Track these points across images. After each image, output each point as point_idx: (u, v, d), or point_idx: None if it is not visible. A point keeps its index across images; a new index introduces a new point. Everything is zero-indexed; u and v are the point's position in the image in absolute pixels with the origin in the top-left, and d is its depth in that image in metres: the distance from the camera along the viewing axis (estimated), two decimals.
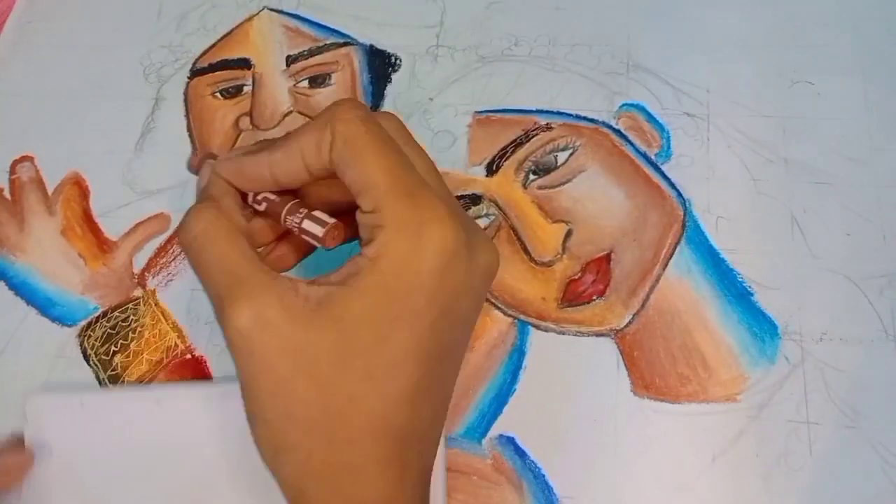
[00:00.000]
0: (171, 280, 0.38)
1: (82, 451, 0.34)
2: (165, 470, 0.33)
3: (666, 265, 0.35)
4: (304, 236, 0.26)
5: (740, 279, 0.34)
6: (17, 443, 0.34)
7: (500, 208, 0.37)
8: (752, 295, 0.34)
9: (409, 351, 0.24)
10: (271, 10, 0.45)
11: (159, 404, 0.34)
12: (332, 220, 0.26)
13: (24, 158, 0.43)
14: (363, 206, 0.24)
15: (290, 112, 0.42)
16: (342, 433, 0.23)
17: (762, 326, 0.33)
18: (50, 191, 0.42)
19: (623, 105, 0.39)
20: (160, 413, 0.34)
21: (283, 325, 0.23)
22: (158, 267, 0.39)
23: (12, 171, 0.43)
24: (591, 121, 0.39)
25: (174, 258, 0.39)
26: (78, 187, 0.41)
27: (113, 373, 0.36)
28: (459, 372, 0.27)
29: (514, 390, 0.33)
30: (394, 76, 0.42)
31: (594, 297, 0.35)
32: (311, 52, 0.43)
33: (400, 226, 0.24)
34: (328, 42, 0.43)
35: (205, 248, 0.25)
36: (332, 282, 0.24)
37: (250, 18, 0.45)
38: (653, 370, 0.33)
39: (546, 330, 0.34)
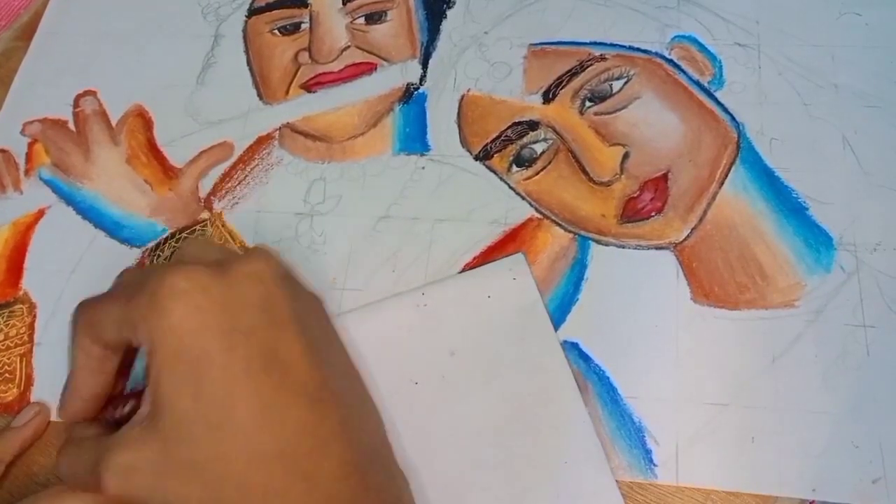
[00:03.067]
0: (237, 203, 0.39)
1: None
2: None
3: (722, 183, 0.36)
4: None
5: (795, 195, 0.35)
6: None
7: (557, 133, 0.38)
8: (806, 209, 0.35)
9: (228, 386, 0.25)
10: None
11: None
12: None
13: (87, 93, 0.44)
14: None
15: (348, 47, 0.43)
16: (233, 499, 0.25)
17: (818, 238, 0.34)
18: (114, 123, 0.43)
19: (675, 37, 0.40)
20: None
21: (141, 461, 0.26)
22: (224, 191, 0.40)
23: (76, 104, 0.44)
24: (645, 52, 0.40)
25: (239, 182, 0.40)
26: (141, 119, 0.43)
27: None
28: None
29: (577, 300, 0.35)
30: (449, 12, 0.43)
31: (652, 214, 0.36)
32: None
33: (140, 314, 0.26)
34: None
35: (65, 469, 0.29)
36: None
37: None
38: (712, 279, 0.34)
39: (606, 244, 0.36)
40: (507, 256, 0.36)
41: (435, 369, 0.33)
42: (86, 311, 0.29)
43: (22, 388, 0.37)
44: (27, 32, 0.47)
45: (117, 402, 0.31)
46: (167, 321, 0.25)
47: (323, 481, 0.25)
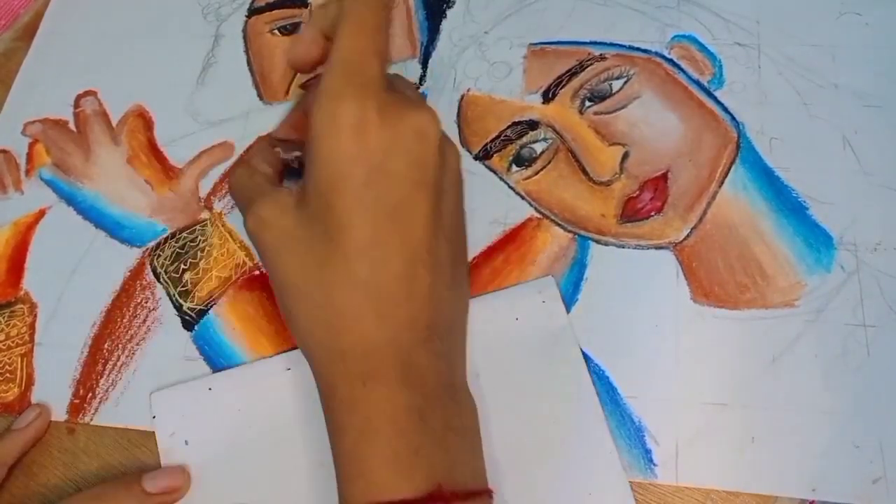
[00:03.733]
0: None
1: (218, 434, 0.34)
2: (306, 437, 0.33)
3: (722, 183, 0.36)
4: None
5: (795, 194, 0.35)
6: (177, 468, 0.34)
7: (557, 133, 0.38)
8: (807, 209, 0.35)
9: (349, 209, 0.28)
10: None
11: (291, 371, 0.34)
12: None
13: (87, 93, 0.44)
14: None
15: None
16: (319, 294, 0.29)
17: (818, 237, 0.34)
18: (114, 123, 0.43)
19: (675, 36, 0.40)
20: (292, 379, 0.34)
21: (275, 220, 0.30)
22: (225, 191, 0.40)
23: (76, 104, 0.44)
24: (644, 51, 0.40)
25: None
26: (142, 119, 0.43)
27: (183, 289, 0.38)
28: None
29: (577, 300, 0.35)
30: (448, 12, 0.43)
31: (652, 214, 0.36)
32: None
33: (318, 107, 0.28)
34: None
35: (235, 187, 0.34)
36: (303, 178, 0.30)
37: None
38: (711, 279, 0.34)
39: (606, 244, 0.36)
40: (536, 279, 0.35)
41: None
42: (321, 11, 0.32)
43: (23, 387, 0.37)
44: (28, 33, 0.47)
45: (290, 148, 0.35)
46: (330, 136, 0.28)
47: (394, 325, 0.28)
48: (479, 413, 0.31)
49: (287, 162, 0.35)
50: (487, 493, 0.28)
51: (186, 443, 0.34)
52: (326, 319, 0.29)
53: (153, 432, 0.34)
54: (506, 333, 0.34)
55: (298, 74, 0.43)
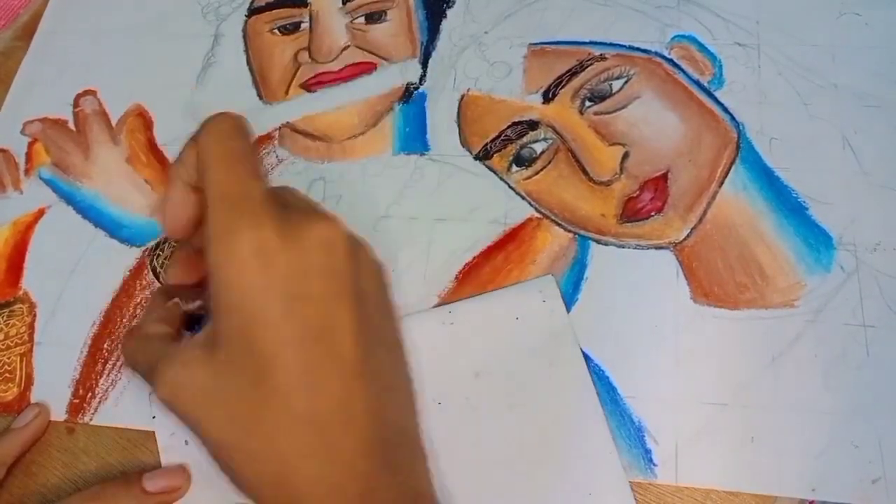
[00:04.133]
0: None
1: None
2: None
3: (722, 183, 0.36)
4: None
5: (795, 194, 0.35)
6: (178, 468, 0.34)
7: (557, 133, 0.38)
8: (806, 209, 0.35)
9: (272, 346, 0.26)
10: None
11: None
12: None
13: (87, 92, 0.44)
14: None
15: (348, 46, 0.43)
16: (259, 444, 0.27)
17: (817, 237, 0.34)
18: (114, 123, 0.43)
19: (675, 36, 0.40)
20: None
21: (189, 381, 0.27)
22: None
23: (76, 104, 0.44)
24: (644, 51, 0.40)
25: None
26: (141, 118, 0.43)
27: None
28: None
29: (577, 299, 0.35)
30: (448, 12, 0.43)
31: (652, 214, 0.36)
32: None
33: (216, 242, 0.26)
34: None
35: (130, 360, 0.32)
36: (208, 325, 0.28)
37: None
38: (711, 279, 0.34)
39: (606, 244, 0.36)
40: (536, 278, 0.35)
41: (459, 390, 0.33)
42: (206, 155, 0.29)
43: (22, 387, 0.37)
44: (27, 32, 0.47)
45: (189, 295, 0.33)
46: (234, 274, 0.26)
47: (345, 453, 0.26)
48: (480, 411, 0.31)
49: (189, 312, 0.33)
50: None
51: (186, 443, 0.34)
52: (273, 470, 0.26)
53: (153, 432, 0.34)
54: (506, 333, 0.34)
55: (299, 73, 0.43)
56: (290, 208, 0.28)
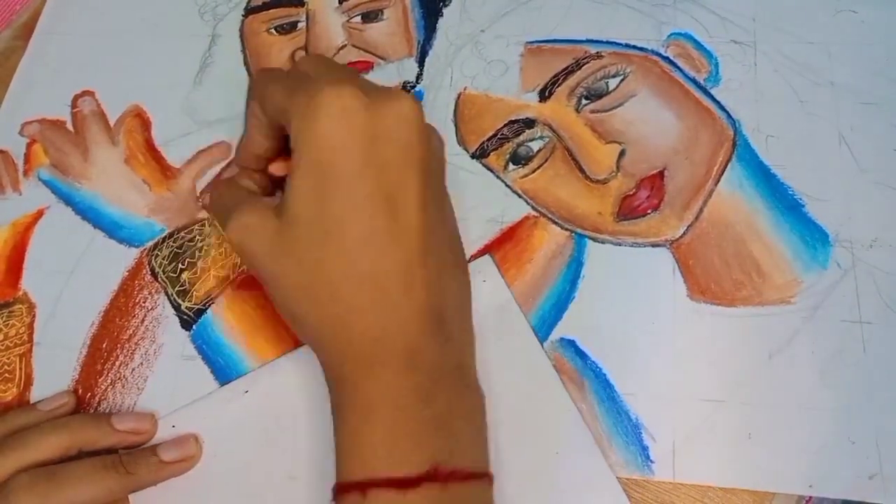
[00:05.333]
0: None
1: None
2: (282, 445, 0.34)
3: (718, 181, 0.36)
4: None
5: (791, 192, 0.35)
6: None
7: (553, 131, 0.38)
8: (802, 206, 0.35)
9: (343, 203, 0.28)
10: None
11: (248, 394, 0.35)
12: None
13: (85, 93, 0.44)
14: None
15: (345, 46, 0.43)
16: (324, 292, 0.29)
17: (814, 235, 0.34)
18: (112, 123, 0.43)
19: (671, 34, 0.40)
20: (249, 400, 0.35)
21: (261, 225, 0.29)
22: None
23: (74, 104, 0.44)
24: (641, 49, 0.40)
25: None
26: (139, 119, 0.43)
27: (181, 289, 0.38)
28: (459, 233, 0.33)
29: (574, 297, 0.35)
30: (445, 10, 0.43)
31: (649, 211, 0.36)
32: None
33: (297, 112, 0.29)
34: None
35: (215, 200, 0.35)
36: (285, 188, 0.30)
37: None
38: (708, 276, 0.34)
39: (603, 242, 0.36)
40: (474, 260, 0.36)
41: None
42: (259, 83, 0.33)
43: (21, 387, 0.37)
44: (26, 32, 0.47)
45: (279, 160, 0.34)
46: (314, 131, 0.28)
47: (401, 313, 0.28)
48: None
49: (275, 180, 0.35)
50: (487, 477, 0.29)
51: (174, 426, 0.34)
52: (335, 314, 0.29)
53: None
54: None
55: None
56: (374, 84, 0.31)
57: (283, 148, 0.33)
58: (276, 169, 0.34)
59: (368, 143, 0.28)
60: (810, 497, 0.31)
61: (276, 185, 0.35)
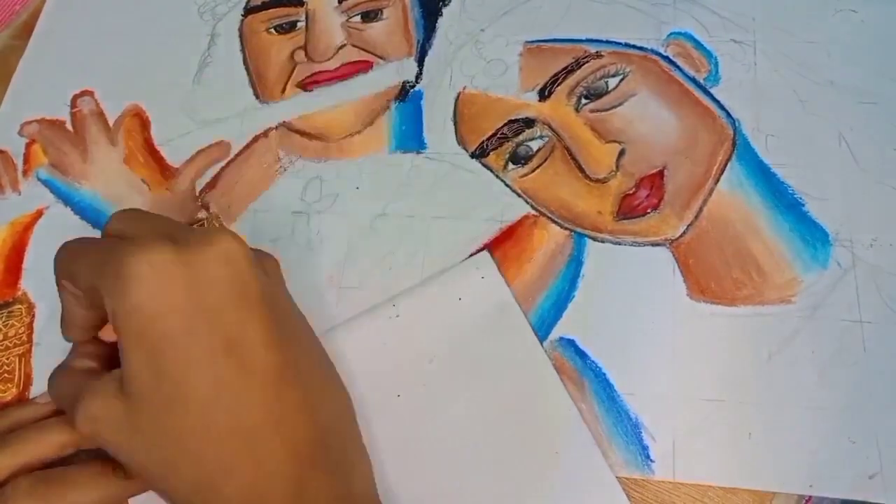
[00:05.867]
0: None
1: None
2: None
3: (718, 180, 0.36)
4: None
5: (791, 191, 0.35)
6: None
7: (553, 130, 0.38)
8: (803, 205, 0.35)
9: (181, 367, 0.26)
10: None
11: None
12: None
13: (84, 93, 0.44)
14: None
15: (344, 45, 0.43)
16: (186, 461, 0.27)
17: (814, 234, 0.34)
18: (111, 123, 0.43)
19: (671, 34, 0.40)
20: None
21: (108, 413, 0.27)
22: (220, 191, 0.40)
23: (73, 104, 0.44)
24: (640, 48, 0.40)
25: (237, 182, 0.40)
26: (138, 119, 0.43)
27: None
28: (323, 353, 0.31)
29: (573, 297, 0.35)
30: (445, 10, 0.43)
31: (649, 210, 0.36)
32: None
33: (108, 290, 0.26)
34: None
35: (57, 395, 0.32)
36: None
37: None
38: (708, 276, 0.34)
39: (602, 241, 0.36)
40: (471, 256, 0.36)
41: (416, 379, 0.33)
42: (63, 262, 0.30)
43: (21, 387, 0.37)
44: (26, 31, 0.47)
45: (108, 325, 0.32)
46: (130, 303, 0.26)
47: (271, 460, 0.26)
48: (440, 395, 0.31)
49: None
50: None
51: None
52: (203, 482, 0.26)
53: None
54: (452, 315, 0.34)
55: (295, 72, 0.43)
56: (184, 233, 0.28)
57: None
58: (107, 335, 0.33)
59: (192, 295, 0.26)
60: (810, 497, 0.31)
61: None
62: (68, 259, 0.30)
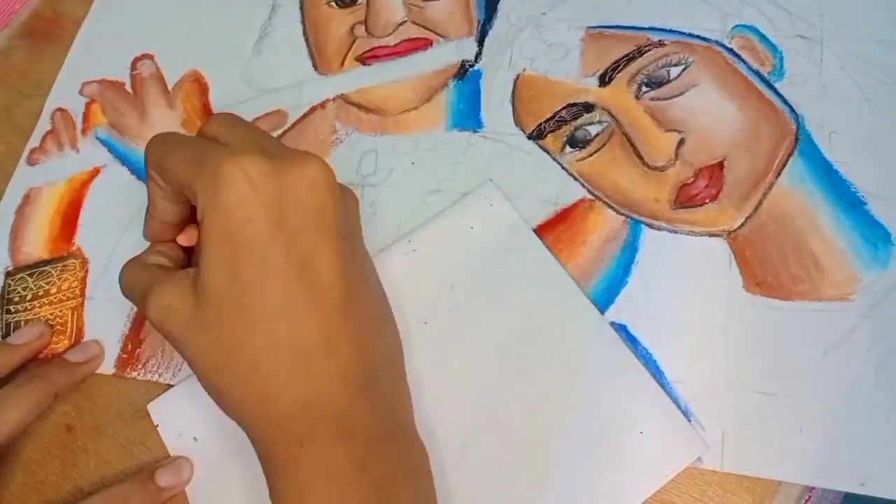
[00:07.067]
0: None
1: (223, 422, 0.32)
2: None
3: (779, 174, 0.36)
4: None
5: (853, 189, 0.35)
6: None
7: (612, 116, 0.38)
8: (864, 204, 0.34)
9: (256, 274, 0.27)
10: None
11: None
12: None
13: (144, 56, 0.45)
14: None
15: (405, 22, 0.43)
16: (244, 368, 0.28)
17: (875, 233, 0.34)
18: (170, 87, 0.43)
19: (736, 26, 0.40)
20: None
21: (180, 304, 0.28)
22: None
23: (133, 67, 0.44)
24: (704, 39, 0.40)
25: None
26: (198, 84, 0.43)
27: None
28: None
29: (626, 283, 0.34)
30: None
31: (707, 201, 0.35)
32: None
33: (201, 186, 0.27)
34: None
35: (127, 283, 0.33)
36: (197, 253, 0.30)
37: None
38: (765, 269, 0.34)
39: (659, 229, 0.35)
40: (477, 188, 0.37)
41: (440, 305, 0.35)
42: (156, 153, 0.31)
43: (72, 340, 0.37)
44: (25, 31, 0.47)
45: (188, 228, 0.34)
46: (222, 202, 0.27)
47: (326, 379, 0.27)
48: (465, 318, 0.33)
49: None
50: None
51: (195, 439, 0.34)
52: (257, 390, 0.27)
53: (151, 431, 0.35)
54: (466, 242, 0.36)
55: (354, 46, 0.43)
56: (278, 148, 0.30)
57: (191, 212, 0.33)
58: (185, 240, 0.34)
59: (277, 210, 0.27)
60: (809, 497, 0.30)
61: (190, 254, 0.34)
62: (161, 152, 0.30)
